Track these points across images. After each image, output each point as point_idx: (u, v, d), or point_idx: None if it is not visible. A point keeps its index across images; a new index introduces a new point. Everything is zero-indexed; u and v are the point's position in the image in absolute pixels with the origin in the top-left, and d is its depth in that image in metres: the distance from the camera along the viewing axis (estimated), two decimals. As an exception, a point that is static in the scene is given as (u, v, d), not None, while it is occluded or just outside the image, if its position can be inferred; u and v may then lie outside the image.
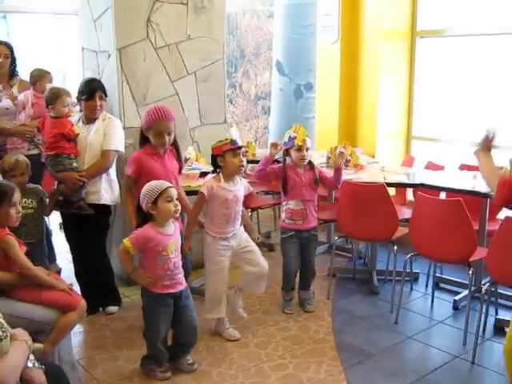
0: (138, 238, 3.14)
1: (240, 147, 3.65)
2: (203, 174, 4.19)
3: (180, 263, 3.28)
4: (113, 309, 4.19)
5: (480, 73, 5.44)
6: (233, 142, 3.62)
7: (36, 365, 2.15)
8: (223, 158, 3.63)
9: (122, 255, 3.17)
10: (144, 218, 3.19)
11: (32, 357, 2.15)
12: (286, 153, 4.10)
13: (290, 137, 4.04)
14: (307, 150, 4.05)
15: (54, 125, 3.87)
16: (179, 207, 3.18)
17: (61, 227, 4.72)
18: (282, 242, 4.24)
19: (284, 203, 4.18)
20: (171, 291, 3.23)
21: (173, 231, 3.24)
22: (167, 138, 3.61)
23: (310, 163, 4.15)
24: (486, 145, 2.51)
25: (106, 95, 4.05)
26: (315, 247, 4.35)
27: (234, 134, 3.71)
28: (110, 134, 4.00)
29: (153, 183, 3.18)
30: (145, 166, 3.60)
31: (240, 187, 3.74)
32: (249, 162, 4.84)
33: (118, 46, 4.33)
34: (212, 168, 3.78)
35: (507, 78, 5.14)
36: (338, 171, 4.11)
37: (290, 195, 4.10)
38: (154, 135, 3.60)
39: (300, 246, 4.18)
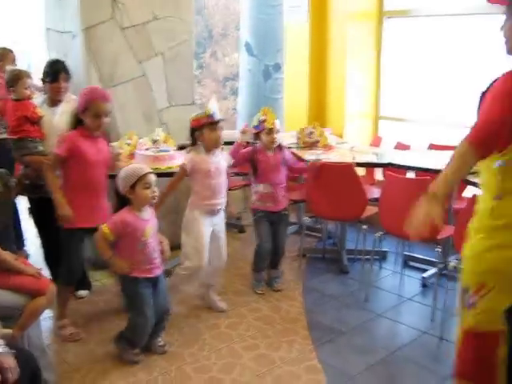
0: (117, 224, 3.12)
1: (218, 121, 3.62)
2: (181, 148, 4.18)
3: (157, 247, 3.27)
4: (83, 293, 4.16)
5: (446, 53, 5.48)
6: (210, 115, 3.59)
7: (6, 350, 2.12)
8: (201, 132, 3.62)
9: (100, 241, 3.14)
10: (121, 200, 3.17)
11: (1, 342, 2.12)
12: (257, 136, 4.10)
13: (259, 120, 4.04)
14: (277, 132, 4.06)
15: (16, 107, 3.78)
16: (156, 193, 3.17)
17: (30, 212, 4.64)
18: (255, 223, 4.25)
19: (254, 186, 4.18)
20: (150, 276, 3.23)
21: (149, 216, 3.23)
22: (104, 120, 3.46)
23: (280, 145, 4.16)
24: None
25: (70, 77, 3.97)
26: (286, 227, 4.38)
27: (213, 106, 3.62)
28: None
29: (132, 167, 3.16)
30: (78, 148, 3.41)
31: (220, 159, 3.74)
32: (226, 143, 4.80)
33: (84, 27, 4.25)
34: (190, 141, 3.75)
35: (472, 58, 5.19)
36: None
37: (260, 179, 4.12)
38: (92, 116, 3.40)
39: (271, 226, 4.20)
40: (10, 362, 2.09)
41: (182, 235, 3.78)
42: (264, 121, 4.01)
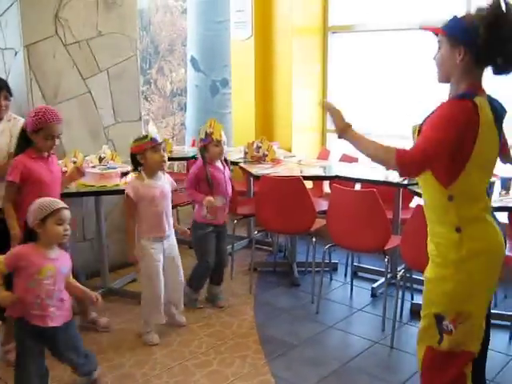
0: (11, 255, 2.78)
1: (160, 143, 3.60)
2: (124, 174, 4.13)
3: (58, 296, 2.85)
4: None
5: (390, 66, 5.61)
6: (152, 139, 3.57)
7: None
8: (143, 155, 3.57)
9: None
10: (29, 236, 2.84)
11: None
12: (204, 149, 4.07)
13: (206, 133, 4.03)
14: (224, 143, 4.07)
15: None
16: (69, 232, 2.85)
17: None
18: (200, 239, 4.14)
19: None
20: (40, 325, 2.80)
21: (56, 256, 2.85)
22: (56, 140, 3.40)
23: (225, 158, 4.18)
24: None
25: (11, 95, 3.87)
26: (226, 241, 4.36)
27: (152, 130, 3.62)
28: (17, 135, 3.83)
29: (45, 200, 2.86)
30: (30, 172, 3.32)
31: (165, 182, 3.69)
32: (170, 158, 4.78)
33: (25, 43, 4.17)
34: (132, 166, 3.71)
35: (414, 70, 5.33)
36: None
37: (216, 192, 4.06)
38: (43, 138, 3.32)
39: (216, 240, 4.19)
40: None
41: (142, 269, 3.69)
42: (211, 133, 4.00)
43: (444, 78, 2.22)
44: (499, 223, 2.30)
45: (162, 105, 6.93)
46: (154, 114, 6.82)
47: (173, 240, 3.79)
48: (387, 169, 2.21)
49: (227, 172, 4.17)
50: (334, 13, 5.94)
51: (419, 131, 2.22)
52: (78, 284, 3.03)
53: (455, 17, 2.17)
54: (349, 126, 2.26)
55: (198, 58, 6.47)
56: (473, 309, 2.22)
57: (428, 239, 2.34)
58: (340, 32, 5.97)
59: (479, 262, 2.17)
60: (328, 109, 2.33)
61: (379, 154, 2.13)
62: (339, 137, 2.30)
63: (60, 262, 2.87)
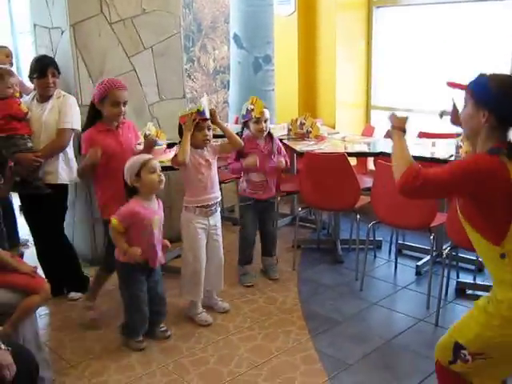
0: (125, 214, 3.19)
1: (206, 119, 3.55)
2: (170, 146, 4.17)
3: (161, 242, 3.35)
4: (75, 295, 4.09)
5: (436, 41, 5.49)
6: (199, 112, 3.51)
7: (2, 346, 2.12)
8: None
9: (113, 234, 3.22)
10: (130, 193, 3.24)
11: (-3, 339, 2.12)
12: (245, 125, 4.09)
13: (247, 109, 4.03)
14: (265, 121, 4.06)
15: (0, 106, 3.76)
16: (163, 177, 3.23)
17: (21, 209, 4.63)
18: (241, 211, 4.28)
19: (244, 175, 4.17)
20: (150, 265, 3.34)
21: (157, 208, 3.31)
22: (123, 108, 3.48)
23: (270, 134, 4.17)
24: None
25: (59, 72, 3.94)
26: (274, 214, 4.41)
27: (204, 104, 3.55)
28: (66, 111, 3.90)
29: (134, 158, 3.24)
30: (96, 143, 3.42)
31: (208, 153, 3.65)
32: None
33: (72, 22, 4.22)
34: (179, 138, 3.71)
35: (462, 46, 5.20)
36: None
37: (253, 169, 4.09)
38: (110, 105, 3.43)
39: (258, 214, 4.24)
40: (7, 359, 2.09)
41: (184, 241, 3.73)
42: (252, 110, 4.00)
43: (471, 135, 2.20)
44: None
45: (205, 82, 6.93)
46: (198, 92, 6.84)
47: (218, 217, 3.78)
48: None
49: (270, 148, 4.15)
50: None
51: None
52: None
53: (483, 77, 2.14)
54: (404, 130, 2.34)
55: (240, 35, 6.42)
56: (499, 357, 2.13)
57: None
58: (385, 6, 5.85)
59: None
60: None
61: (400, 161, 2.17)
62: (390, 132, 2.40)
63: (161, 211, 3.35)
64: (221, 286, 3.91)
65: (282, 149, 4.30)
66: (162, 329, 3.53)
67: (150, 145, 3.67)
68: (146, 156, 3.25)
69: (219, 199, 3.75)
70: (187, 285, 3.71)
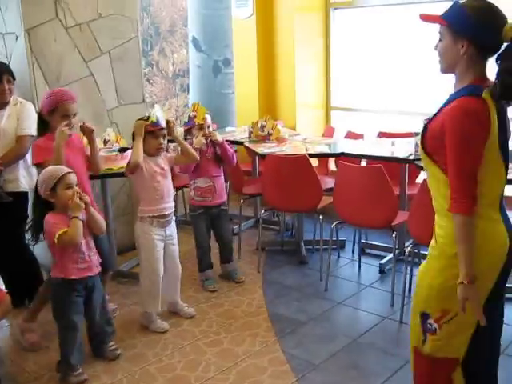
0: (57, 224, 2.95)
1: (161, 129, 3.54)
2: (122, 150, 4.13)
3: (92, 244, 3.16)
4: None
5: (392, 42, 5.57)
6: (154, 123, 3.50)
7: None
8: (143, 138, 3.53)
9: (68, 239, 2.97)
10: (44, 206, 3.02)
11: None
12: (188, 132, 4.08)
13: (189, 116, 4.04)
14: (209, 127, 4.07)
15: None
16: (78, 194, 3.00)
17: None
18: (193, 221, 4.26)
19: (192, 182, 4.17)
20: (84, 274, 3.09)
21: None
22: (73, 120, 3.37)
23: (212, 140, 4.13)
24: None
25: (14, 78, 3.86)
26: (227, 221, 4.38)
27: (158, 113, 3.53)
28: (24, 118, 3.83)
29: (49, 169, 3.02)
30: (49, 152, 3.28)
31: (162, 162, 3.62)
32: (170, 141, 4.75)
33: (26, 27, 4.14)
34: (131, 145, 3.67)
35: (417, 46, 5.28)
36: (220, 146, 4.12)
37: (197, 173, 4.10)
38: (59, 118, 3.32)
39: (211, 221, 4.22)
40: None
41: (140, 253, 3.67)
42: (194, 117, 4.01)
43: (448, 69, 2.09)
44: (508, 220, 2.13)
45: (164, 86, 6.88)
46: (157, 96, 6.79)
47: (173, 229, 3.73)
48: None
49: (212, 152, 4.13)
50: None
51: (424, 130, 2.11)
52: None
53: (457, 5, 2.03)
54: (470, 284, 2.02)
55: (199, 39, 6.41)
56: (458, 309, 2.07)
57: (433, 231, 2.21)
58: (341, 8, 5.91)
59: (476, 262, 2.00)
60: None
61: (463, 237, 2.00)
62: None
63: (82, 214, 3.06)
64: (177, 298, 3.85)
65: (228, 146, 4.21)
66: (112, 347, 3.33)
67: (89, 132, 3.51)
68: (63, 169, 3.00)
69: (173, 209, 3.72)
70: (146, 297, 3.66)
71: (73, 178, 3.01)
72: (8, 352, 3.44)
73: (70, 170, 3.03)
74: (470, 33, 1.98)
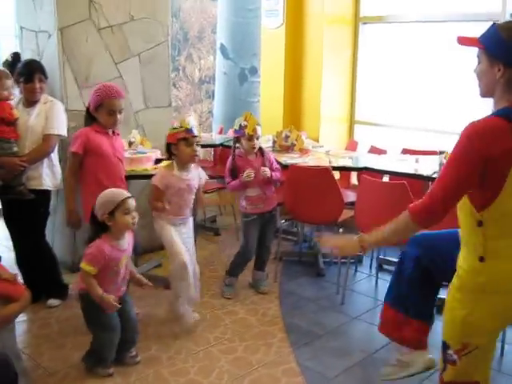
0: (97, 257, 2.99)
1: (194, 136, 3.56)
2: (158, 161, 4.16)
3: (127, 276, 3.21)
4: (54, 302, 4.03)
5: (420, 59, 5.56)
6: (188, 130, 3.53)
7: (-18, 354, 2.08)
8: (176, 146, 3.56)
9: (86, 280, 3.01)
10: (98, 226, 3.06)
11: (-22, 346, 2.08)
12: (237, 140, 4.09)
13: (240, 125, 4.02)
14: (257, 138, 4.06)
15: None
16: (136, 219, 3.07)
17: (2, 214, 4.56)
18: (244, 226, 4.21)
19: (241, 193, 4.15)
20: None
21: (126, 246, 3.14)
22: (119, 116, 3.51)
23: (261, 149, 4.16)
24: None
25: (46, 77, 3.92)
26: (274, 227, 4.38)
27: (192, 122, 3.57)
28: (52, 117, 3.87)
29: (109, 192, 3.06)
30: (92, 143, 3.44)
31: (194, 176, 3.67)
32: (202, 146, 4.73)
33: (60, 26, 4.20)
34: (166, 155, 3.71)
35: (446, 64, 5.27)
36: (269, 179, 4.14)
37: (248, 184, 4.07)
38: (106, 113, 3.48)
39: (260, 228, 4.20)
40: (-12, 366, 2.05)
41: (166, 246, 3.70)
42: (245, 126, 3.99)
43: (486, 93, 2.07)
44: None
45: (189, 92, 6.92)
46: (182, 101, 6.82)
47: (189, 227, 3.76)
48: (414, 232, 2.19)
49: (260, 161, 4.12)
50: (366, 3, 5.89)
51: None
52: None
53: (493, 28, 2.02)
54: (359, 239, 2.23)
55: (227, 46, 6.44)
56: (480, 343, 2.11)
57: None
58: (371, 23, 5.91)
59: (496, 299, 2.04)
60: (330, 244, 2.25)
61: (399, 228, 2.13)
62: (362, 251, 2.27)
63: (129, 249, 3.17)
64: (197, 298, 3.80)
65: (275, 163, 4.25)
66: (132, 354, 3.33)
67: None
68: (123, 194, 3.06)
69: (189, 217, 3.74)
70: (177, 283, 3.62)
71: (132, 203, 3.04)
72: (24, 347, 3.46)
73: (129, 195, 3.07)
74: (504, 56, 1.96)
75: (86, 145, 3.48)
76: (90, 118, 3.60)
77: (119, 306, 3.07)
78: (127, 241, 3.15)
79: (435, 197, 2.01)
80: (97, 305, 3.05)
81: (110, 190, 3.11)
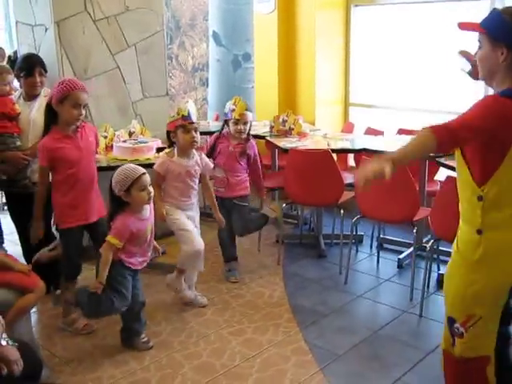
0: (122, 231, 3.10)
1: (192, 123, 3.62)
2: (159, 150, 4.21)
3: (152, 243, 3.34)
4: None
5: (413, 40, 5.61)
6: (184, 117, 3.59)
7: (10, 342, 2.14)
8: (175, 133, 3.63)
9: (105, 256, 3.10)
10: (116, 202, 3.14)
11: (5, 335, 2.14)
12: (226, 123, 4.15)
13: (229, 109, 4.09)
14: (245, 123, 4.10)
15: None
16: (152, 193, 3.15)
17: (3, 208, 4.61)
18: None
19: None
20: (138, 267, 3.29)
21: (148, 215, 3.24)
22: (83, 110, 3.32)
23: (248, 136, 4.20)
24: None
25: (45, 71, 3.95)
26: (240, 217, 4.28)
27: (190, 109, 3.63)
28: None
29: (124, 170, 3.09)
30: (56, 154, 3.31)
31: (195, 163, 3.73)
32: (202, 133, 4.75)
33: (56, 19, 4.22)
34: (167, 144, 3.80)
35: (438, 44, 5.33)
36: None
37: (216, 162, 4.13)
38: (71, 106, 3.25)
39: (227, 213, 4.19)
40: (15, 354, 2.12)
41: (174, 231, 3.79)
42: (233, 110, 4.06)
43: (488, 76, 2.13)
44: None
45: (183, 80, 6.93)
46: (176, 89, 6.84)
47: (196, 212, 3.86)
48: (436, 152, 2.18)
49: (240, 149, 4.16)
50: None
51: None
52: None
53: (495, 12, 2.07)
54: (388, 157, 2.04)
55: (219, 33, 6.46)
56: (483, 312, 2.18)
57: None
58: (362, 5, 5.95)
59: (494, 270, 2.13)
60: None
61: (419, 143, 2.03)
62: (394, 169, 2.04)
63: (151, 216, 3.28)
64: (201, 267, 3.88)
65: (258, 159, 4.33)
66: (144, 339, 3.40)
67: None
68: (138, 170, 3.10)
69: (193, 203, 3.82)
70: (186, 260, 3.73)
71: (147, 179, 3.11)
72: (37, 338, 3.51)
73: (144, 171, 3.12)
74: (507, 39, 2.00)
75: (50, 158, 3.32)
76: (51, 114, 3.36)
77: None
78: (148, 210, 3.24)
79: (454, 123, 2.01)
80: (121, 272, 3.19)
81: (124, 166, 3.14)
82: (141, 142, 4.32)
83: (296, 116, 5.24)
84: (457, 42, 4.97)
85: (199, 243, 3.72)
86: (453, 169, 3.77)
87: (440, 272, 4.24)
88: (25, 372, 2.17)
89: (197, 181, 3.79)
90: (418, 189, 4.32)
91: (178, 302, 3.92)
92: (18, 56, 4.20)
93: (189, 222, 3.75)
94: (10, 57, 4.19)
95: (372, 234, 4.93)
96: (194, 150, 3.74)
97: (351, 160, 5.33)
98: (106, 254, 3.11)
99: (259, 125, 5.59)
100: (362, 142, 4.81)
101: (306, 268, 4.52)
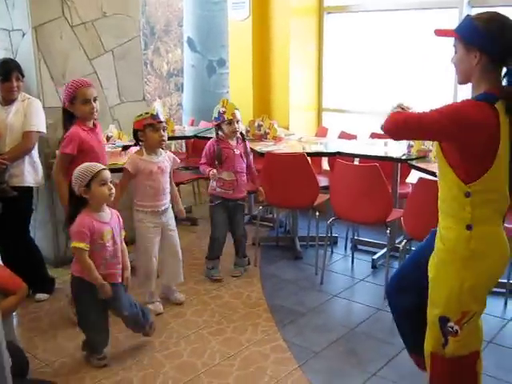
0: (82, 231, 3.02)
1: (160, 122, 3.71)
2: (125, 148, 4.26)
3: (119, 254, 3.22)
4: (42, 296, 4.11)
5: (384, 46, 5.75)
6: (153, 116, 3.68)
7: (-2, 342, 2.17)
8: (144, 132, 3.71)
9: (83, 260, 3.04)
10: (77, 201, 3.10)
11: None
12: (218, 127, 4.23)
13: (219, 112, 4.17)
14: (237, 122, 4.23)
15: None
16: (113, 190, 3.12)
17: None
18: (210, 210, 4.38)
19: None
20: (108, 281, 3.15)
21: (109, 219, 3.15)
22: (94, 104, 3.52)
23: (242, 135, 4.34)
24: None
25: (22, 75, 3.98)
26: (242, 216, 4.52)
27: (157, 108, 3.73)
28: (31, 114, 3.94)
29: (84, 165, 3.08)
30: (85, 144, 3.48)
31: (164, 159, 3.80)
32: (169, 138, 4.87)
33: (33, 25, 4.25)
34: (134, 142, 3.86)
35: (408, 50, 5.48)
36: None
37: (224, 167, 4.23)
38: (81, 103, 3.46)
39: (228, 214, 4.36)
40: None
41: (137, 239, 3.87)
42: (224, 112, 4.15)
43: (464, 80, 2.23)
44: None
45: (158, 85, 7.00)
46: (151, 95, 6.90)
47: (170, 214, 3.91)
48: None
49: (241, 148, 4.31)
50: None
51: None
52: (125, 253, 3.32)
53: (468, 18, 2.18)
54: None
55: (194, 39, 6.55)
56: (478, 307, 2.27)
57: (437, 233, 2.34)
58: (335, 12, 6.08)
59: (485, 263, 2.20)
60: None
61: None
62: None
63: (113, 222, 3.17)
64: (180, 279, 4.01)
65: (250, 153, 4.44)
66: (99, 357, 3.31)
67: None
68: (98, 166, 3.09)
69: (167, 205, 3.86)
70: (141, 279, 3.84)
71: (107, 174, 3.09)
72: (17, 341, 3.53)
73: (104, 167, 3.13)
74: (479, 43, 2.11)
75: (80, 146, 3.46)
76: (68, 116, 3.55)
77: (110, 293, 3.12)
78: (109, 214, 3.16)
79: (414, 115, 2.20)
80: (83, 291, 3.14)
81: (84, 163, 3.12)
82: (118, 146, 4.36)
83: (271, 120, 5.33)
84: (427, 49, 5.16)
85: (153, 264, 3.82)
86: (424, 171, 3.93)
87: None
88: (13, 371, 2.19)
89: (168, 179, 3.84)
90: (390, 191, 4.46)
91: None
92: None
93: (153, 239, 3.80)
94: None
95: (346, 235, 5.05)
96: (160, 149, 3.81)
97: (325, 163, 5.43)
98: (84, 262, 3.04)
99: (234, 129, 5.65)
100: (335, 145, 4.92)
101: (283, 269, 4.61)
